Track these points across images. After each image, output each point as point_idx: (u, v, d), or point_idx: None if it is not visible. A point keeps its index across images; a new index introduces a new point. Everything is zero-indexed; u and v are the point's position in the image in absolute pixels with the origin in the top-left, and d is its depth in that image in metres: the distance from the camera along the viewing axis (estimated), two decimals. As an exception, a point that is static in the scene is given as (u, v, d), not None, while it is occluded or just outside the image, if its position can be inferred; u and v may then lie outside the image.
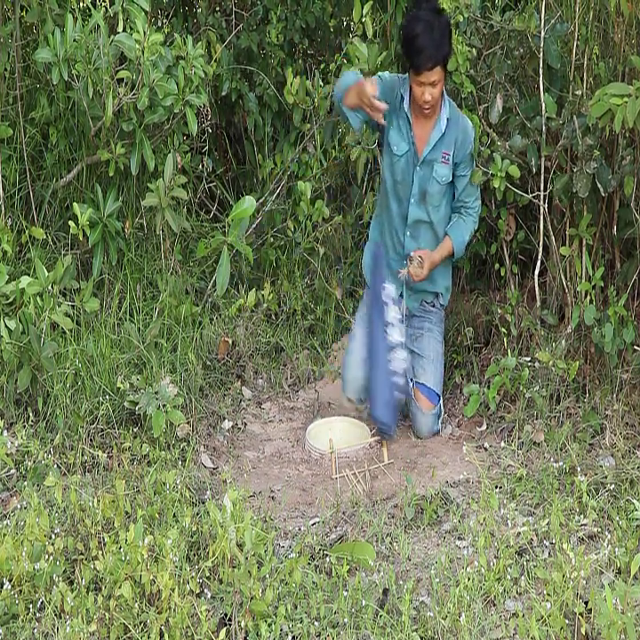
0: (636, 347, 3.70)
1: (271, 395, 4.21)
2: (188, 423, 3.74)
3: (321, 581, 2.87)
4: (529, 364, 3.83)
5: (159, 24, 5.00)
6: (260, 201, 4.61)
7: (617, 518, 3.08)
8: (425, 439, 3.88)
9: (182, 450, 3.60)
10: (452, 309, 4.35)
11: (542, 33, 3.81)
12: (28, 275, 3.70)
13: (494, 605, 2.79)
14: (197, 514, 3.15)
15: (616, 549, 2.90)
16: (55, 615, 2.66)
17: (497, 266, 4.26)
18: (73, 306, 3.85)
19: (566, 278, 3.99)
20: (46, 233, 4.12)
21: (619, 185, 3.70)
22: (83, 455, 3.47)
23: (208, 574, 2.82)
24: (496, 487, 3.38)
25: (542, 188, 3.92)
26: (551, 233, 4.03)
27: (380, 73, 3.87)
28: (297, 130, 4.72)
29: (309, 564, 2.96)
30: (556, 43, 3.85)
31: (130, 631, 2.61)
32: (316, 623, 2.69)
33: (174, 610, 2.62)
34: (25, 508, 3.09)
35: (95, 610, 2.63)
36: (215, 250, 4.12)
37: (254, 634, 2.65)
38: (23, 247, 4.11)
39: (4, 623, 2.65)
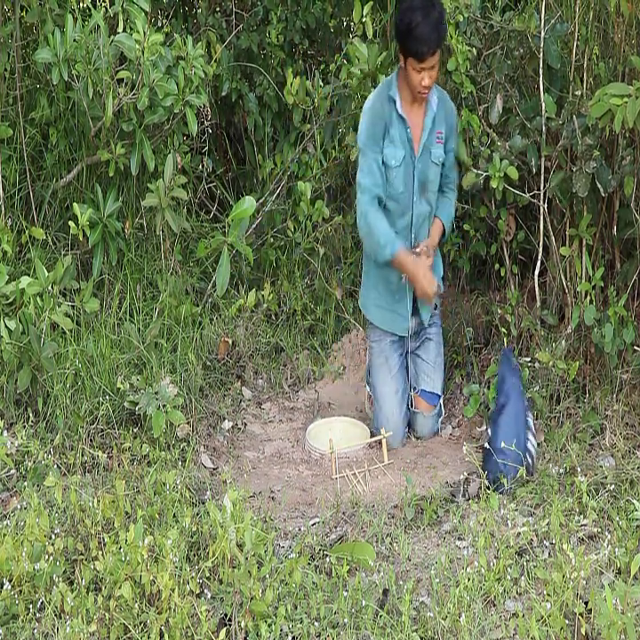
0: (635, 347, 3.70)
1: (271, 395, 4.21)
2: (187, 423, 3.74)
3: (321, 582, 2.87)
4: (529, 364, 3.83)
5: (159, 24, 5.00)
6: (260, 201, 4.61)
7: (617, 518, 3.08)
8: (425, 440, 3.88)
9: (182, 450, 3.60)
10: (452, 310, 4.35)
11: (542, 33, 3.81)
12: (28, 275, 3.70)
13: (494, 606, 2.79)
14: (197, 514, 3.15)
15: (616, 550, 2.90)
16: (55, 615, 2.66)
17: (497, 266, 4.26)
18: (73, 306, 3.85)
19: (566, 278, 3.99)
20: (46, 233, 4.12)
21: (619, 185, 3.70)
22: (83, 455, 3.47)
23: (208, 574, 2.82)
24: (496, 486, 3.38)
25: (542, 188, 3.92)
26: (551, 233, 4.03)
27: (364, 116, 3.75)
28: (297, 130, 4.72)
29: (309, 564, 2.96)
30: (556, 43, 3.85)
31: (130, 631, 2.61)
32: (316, 623, 2.69)
33: (174, 610, 2.62)
34: (25, 508, 3.09)
35: (95, 610, 2.63)
36: (215, 250, 4.13)
37: (254, 634, 2.65)
38: (23, 247, 4.11)
39: (3, 623, 2.65)
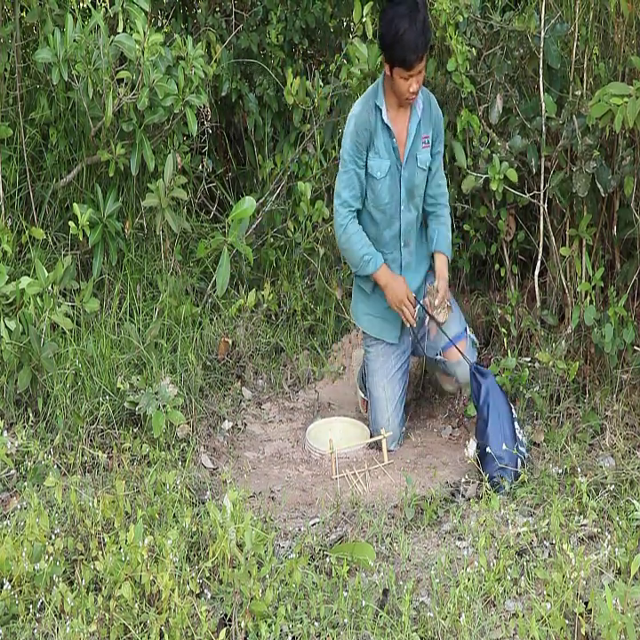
0: (635, 347, 3.70)
1: (271, 395, 4.21)
2: (187, 423, 3.74)
3: (321, 582, 2.87)
4: (529, 364, 3.83)
5: (159, 24, 5.00)
6: (260, 201, 4.61)
7: (617, 519, 3.08)
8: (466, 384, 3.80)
9: (182, 450, 3.60)
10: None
11: (542, 33, 3.81)
12: (28, 275, 3.70)
13: (494, 606, 2.79)
14: (197, 514, 3.15)
15: (616, 550, 2.90)
16: (55, 615, 2.66)
17: (497, 266, 4.26)
18: (73, 306, 3.85)
19: (566, 279, 3.99)
20: (46, 233, 4.12)
21: (619, 185, 3.70)
22: (83, 455, 3.47)
23: (208, 575, 2.82)
24: (497, 488, 3.38)
25: (542, 188, 3.92)
26: (551, 233, 4.03)
27: (349, 124, 3.66)
28: (297, 130, 4.72)
29: (309, 564, 2.96)
30: (556, 43, 3.85)
31: (130, 631, 2.61)
32: (316, 623, 2.69)
33: (174, 610, 2.62)
34: (25, 508, 3.09)
35: (95, 610, 2.63)
36: (215, 250, 4.13)
37: (254, 634, 2.65)
38: (23, 247, 4.11)
39: (4, 623, 2.65)
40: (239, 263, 4.59)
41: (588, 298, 3.78)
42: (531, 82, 4.08)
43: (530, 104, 3.93)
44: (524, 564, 2.94)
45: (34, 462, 3.34)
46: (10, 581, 2.72)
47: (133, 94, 3.89)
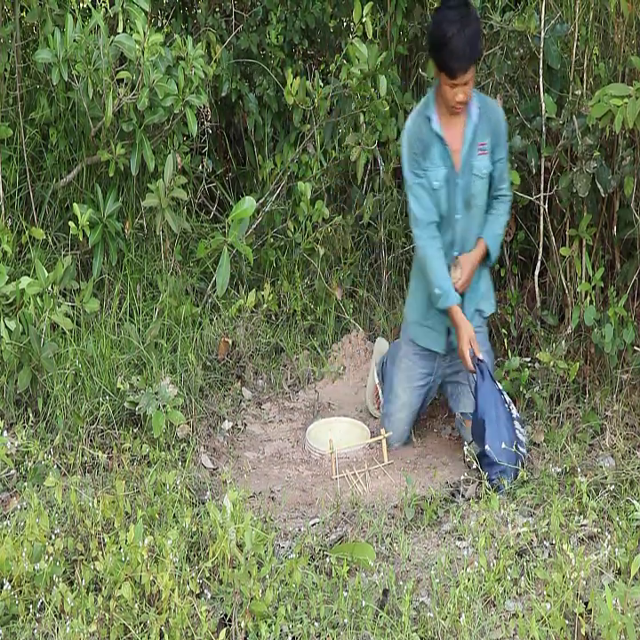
0: (635, 347, 3.70)
1: (271, 395, 4.20)
2: (187, 424, 3.74)
3: (321, 582, 2.87)
4: (529, 364, 3.83)
5: (159, 24, 5.00)
6: (260, 201, 4.61)
7: (617, 519, 3.08)
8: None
9: (182, 450, 3.60)
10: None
11: (542, 33, 3.81)
12: (28, 275, 3.70)
13: (494, 606, 2.79)
14: (197, 514, 3.15)
15: (616, 550, 2.90)
16: (55, 616, 2.66)
17: (497, 266, 4.25)
18: (73, 306, 3.85)
19: (566, 279, 3.99)
20: (46, 233, 4.12)
21: (619, 185, 3.70)
22: (83, 456, 3.47)
23: (208, 575, 2.82)
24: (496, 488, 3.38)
25: (542, 188, 3.92)
26: (551, 233, 4.03)
27: (403, 141, 3.61)
28: (297, 130, 4.72)
29: (309, 564, 2.96)
30: (556, 43, 3.85)
31: (130, 632, 2.61)
32: (316, 624, 2.69)
33: (174, 610, 2.62)
34: (25, 508, 3.09)
35: (95, 610, 2.63)
36: (215, 250, 4.12)
37: (254, 634, 2.65)
38: (23, 247, 4.11)
39: (4, 624, 2.65)
40: (239, 263, 4.59)
41: (588, 298, 3.78)
42: (531, 82, 4.08)
43: (530, 104, 3.93)
44: (524, 564, 2.94)
45: (34, 462, 3.34)
46: (10, 581, 2.72)
47: (133, 94, 3.88)
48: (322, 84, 4.54)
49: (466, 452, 3.47)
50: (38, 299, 3.57)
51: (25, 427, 3.52)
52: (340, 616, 2.71)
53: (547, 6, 3.86)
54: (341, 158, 4.63)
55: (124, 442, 3.53)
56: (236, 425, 3.98)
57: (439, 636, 2.66)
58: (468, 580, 2.81)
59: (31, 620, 2.67)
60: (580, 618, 2.63)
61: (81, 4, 4.38)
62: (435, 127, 3.55)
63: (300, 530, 3.25)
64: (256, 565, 2.76)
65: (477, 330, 3.70)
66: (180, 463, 3.52)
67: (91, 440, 3.59)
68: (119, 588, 2.63)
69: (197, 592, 2.74)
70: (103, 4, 4.02)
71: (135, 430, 3.63)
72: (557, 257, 4.00)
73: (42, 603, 2.70)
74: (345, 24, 5.04)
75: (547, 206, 3.96)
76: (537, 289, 4.08)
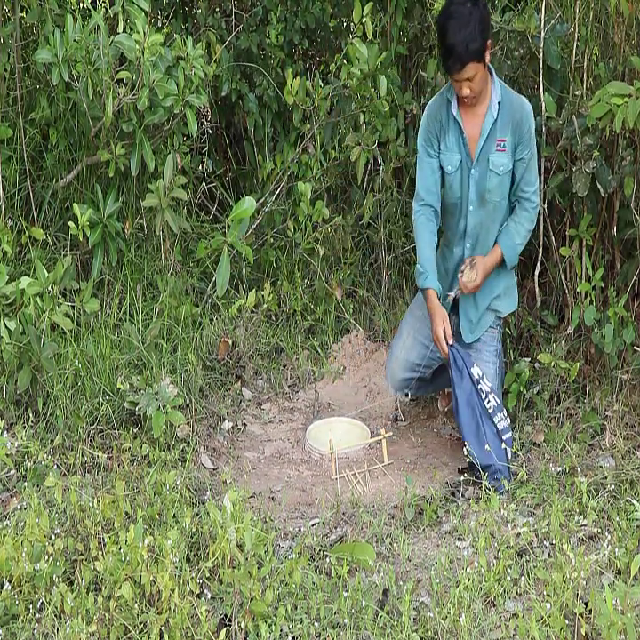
0: (635, 347, 3.70)
1: (271, 395, 4.21)
2: (187, 424, 3.74)
3: (321, 582, 2.87)
4: (529, 364, 3.83)
5: (159, 25, 5.00)
6: (260, 201, 4.61)
7: (617, 519, 3.08)
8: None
9: (182, 450, 3.60)
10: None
11: (542, 33, 3.81)
12: (28, 275, 3.70)
13: (494, 606, 2.79)
14: (197, 514, 3.15)
15: (616, 550, 2.90)
16: (55, 616, 2.66)
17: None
18: (73, 306, 3.85)
19: (566, 279, 3.99)
20: (46, 233, 4.12)
21: (619, 185, 3.70)
22: (83, 456, 3.47)
23: (208, 575, 2.82)
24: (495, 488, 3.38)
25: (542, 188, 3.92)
26: (551, 233, 4.03)
27: (423, 116, 3.65)
28: (297, 130, 4.72)
29: (309, 564, 2.96)
30: (556, 43, 3.85)
31: (130, 632, 2.61)
32: (315, 624, 2.69)
33: (174, 610, 2.62)
34: (25, 508, 3.09)
35: (95, 610, 2.63)
36: (215, 250, 4.12)
37: (254, 634, 2.65)
38: (23, 248, 4.11)
39: (4, 624, 2.65)
40: (239, 263, 4.59)
41: (588, 298, 3.78)
42: (531, 82, 4.08)
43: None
44: (524, 564, 2.94)
45: (34, 462, 3.34)
46: (10, 582, 2.72)
47: (133, 94, 3.88)
48: (322, 84, 4.54)
49: (465, 453, 3.47)
50: (38, 299, 3.57)
51: (25, 427, 3.52)
52: (340, 616, 2.72)
53: (547, 6, 3.86)
54: (341, 158, 4.63)
55: (124, 442, 3.53)
56: (236, 425, 3.98)
57: (439, 636, 2.66)
58: (468, 580, 2.81)
59: (31, 620, 2.67)
60: (580, 618, 2.63)
61: (81, 4, 4.38)
62: (453, 111, 3.55)
63: (300, 530, 3.25)
64: (256, 565, 2.76)
65: (489, 330, 3.70)
66: (180, 463, 3.52)
67: (91, 440, 3.59)
68: (119, 588, 2.63)
69: (197, 592, 2.74)
70: (103, 4, 4.01)
71: (135, 430, 3.63)
72: (557, 257, 4.00)
73: (42, 603, 2.70)
74: (345, 24, 5.04)
75: (547, 206, 3.96)
76: (537, 289, 4.08)
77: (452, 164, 3.60)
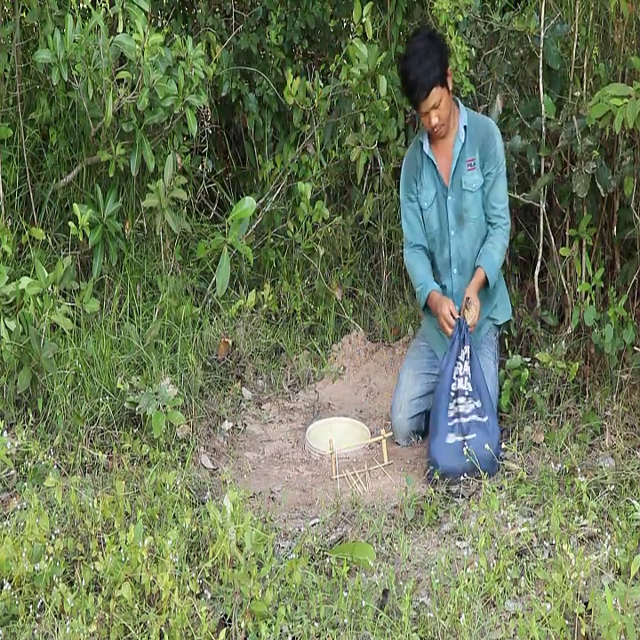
0: (635, 347, 3.70)
1: (271, 395, 4.21)
2: (187, 424, 3.74)
3: (321, 582, 2.87)
4: (529, 364, 3.83)
5: (159, 25, 5.00)
6: (260, 202, 4.61)
7: (617, 519, 3.08)
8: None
9: (182, 451, 3.60)
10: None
11: (542, 34, 3.81)
12: (28, 275, 3.70)
13: (494, 606, 2.79)
14: (197, 515, 3.15)
15: (616, 550, 2.90)
16: (55, 616, 2.66)
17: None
18: (73, 306, 3.85)
19: (566, 279, 3.99)
20: (46, 234, 4.12)
21: (619, 186, 3.70)
22: (83, 456, 3.47)
23: (208, 575, 2.82)
24: (497, 488, 3.38)
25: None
26: (551, 234, 4.03)
27: (405, 157, 3.90)
28: (297, 130, 4.72)
29: (309, 564, 2.96)
30: (556, 44, 3.86)
31: (130, 632, 2.61)
32: (315, 624, 2.69)
33: (174, 610, 2.62)
34: (25, 508, 3.09)
35: (95, 610, 2.63)
36: (215, 250, 4.13)
37: (254, 634, 2.65)
38: (23, 248, 4.11)
39: (3, 624, 2.65)
40: (239, 263, 4.59)
41: (588, 298, 3.78)
42: (530, 82, 4.08)
43: (529, 105, 3.94)
44: (524, 564, 2.94)
45: (34, 463, 3.34)
46: (10, 582, 2.72)
47: (133, 94, 3.88)
48: (322, 85, 4.55)
49: (465, 452, 3.47)
50: (38, 299, 3.57)
51: (25, 427, 3.52)
52: (340, 616, 2.71)
53: (547, 6, 3.86)
54: (341, 158, 4.63)
55: (124, 442, 3.53)
56: (236, 425, 3.98)
57: (439, 636, 2.66)
58: (468, 580, 2.81)
59: (31, 620, 2.67)
60: (580, 618, 2.63)
61: (81, 5, 4.38)
62: (426, 150, 3.77)
63: (299, 530, 3.25)
64: (256, 566, 2.76)
65: (487, 335, 3.87)
66: (179, 463, 3.52)
67: (91, 440, 3.59)
68: (119, 589, 2.63)
69: (197, 592, 2.74)
70: (103, 5, 4.01)
71: (135, 430, 3.63)
72: (557, 257, 4.00)
73: (42, 603, 2.70)
74: (345, 24, 5.04)
75: (546, 206, 3.96)
76: (537, 289, 4.08)
77: (427, 199, 3.80)
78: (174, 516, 3.10)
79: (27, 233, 4.00)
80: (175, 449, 3.58)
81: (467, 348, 3.58)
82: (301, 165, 4.69)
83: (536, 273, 4.06)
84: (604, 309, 3.75)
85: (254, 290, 4.41)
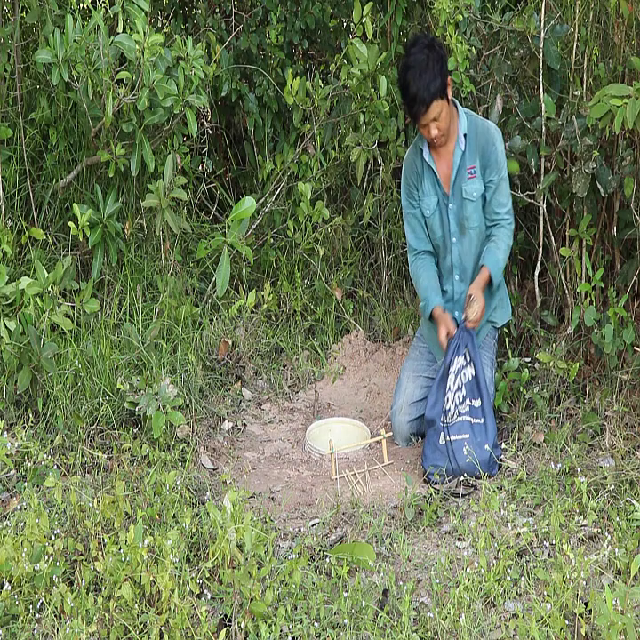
0: (635, 348, 3.70)
1: (271, 396, 4.21)
2: (187, 424, 3.74)
3: (321, 582, 2.87)
4: (529, 365, 3.83)
5: (159, 25, 5.00)
6: (260, 202, 4.61)
7: (617, 519, 3.08)
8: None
9: (182, 451, 3.60)
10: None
11: (542, 34, 3.81)
12: (28, 276, 3.70)
13: (494, 606, 2.79)
14: (197, 515, 3.15)
15: (616, 550, 2.90)
16: (55, 616, 2.66)
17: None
18: (73, 307, 3.85)
19: (566, 279, 3.99)
20: (46, 234, 4.12)
21: (619, 186, 3.70)
22: (83, 456, 3.47)
23: (208, 575, 2.82)
24: (497, 488, 3.38)
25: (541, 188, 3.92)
26: (551, 234, 4.03)
27: (404, 163, 3.83)
28: (297, 131, 4.72)
29: (309, 564, 2.96)
30: (556, 44, 3.85)
31: (130, 632, 2.61)
32: (315, 624, 2.69)
33: (174, 611, 2.62)
34: (25, 508, 3.09)
35: (95, 611, 2.63)
36: (215, 251, 4.13)
37: (254, 635, 2.65)
38: (23, 248, 4.11)
39: (3, 624, 2.65)
40: (239, 264, 4.59)
41: (588, 298, 3.78)
42: (530, 82, 4.08)
43: (529, 105, 3.93)
44: (524, 564, 2.94)
45: (34, 463, 3.34)
46: (10, 582, 2.72)
47: (133, 95, 3.88)
48: (322, 85, 4.55)
49: (465, 452, 3.47)
50: (38, 299, 3.58)
51: (25, 427, 3.52)
52: (340, 616, 2.72)
53: (546, 6, 3.86)
54: (341, 158, 4.63)
55: (124, 442, 3.53)
56: (236, 425, 3.99)
57: (439, 636, 2.66)
58: (468, 580, 2.81)
59: (31, 620, 2.67)
60: (580, 618, 2.63)
61: (81, 5, 4.38)
62: (426, 157, 3.72)
63: (299, 530, 3.25)
64: (256, 566, 2.76)
65: (485, 342, 3.84)
66: (179, 463, 3.52)
67: (91, 440, 3.59)
68: (119, 589, 2.63)
69: (197, 592, 2.74)
70: (103, 5, 4.02)
71: (135, 431, 3.63)
72: (557, 257, 4.00)
73: (42, 603, 2.70)
74: (345, 24, 5.04)
75: (546, 207, 3.96)
76: (537, 289, 4.08)
77: (429, 207, 3.77)
78: (174, 517, 3.10)
79: (27, 233, 4.00)
80: (175, 449, 3.58)
81: (460, 358, 3.58)
82: (301, 165, 4.69)
83: (536, 273, 4.06)
84: (604, 309, 3.75)
85: (254, 290, 4.41)
